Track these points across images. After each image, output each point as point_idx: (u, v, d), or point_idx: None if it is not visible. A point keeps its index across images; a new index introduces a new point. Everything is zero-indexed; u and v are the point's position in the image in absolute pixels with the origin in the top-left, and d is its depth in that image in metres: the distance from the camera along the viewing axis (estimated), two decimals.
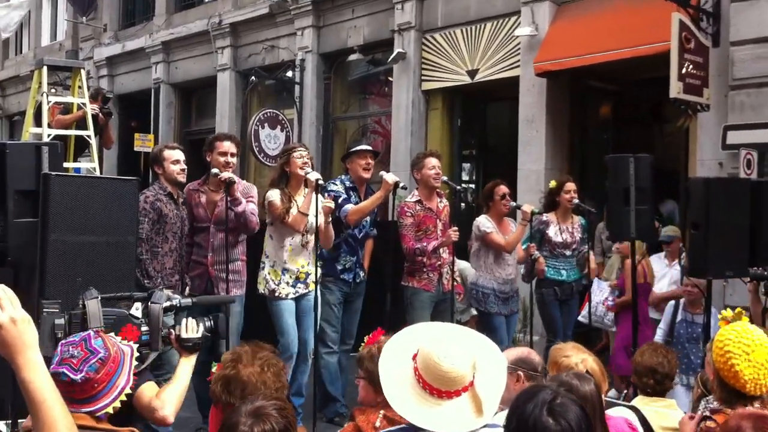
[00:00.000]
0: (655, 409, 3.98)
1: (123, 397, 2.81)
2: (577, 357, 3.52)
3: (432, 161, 6.80)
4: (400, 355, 2.84)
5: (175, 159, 5.95)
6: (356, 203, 6.55)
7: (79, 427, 2.65)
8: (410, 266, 6.73)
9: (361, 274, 6.75)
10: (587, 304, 7.88)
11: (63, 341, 2.82)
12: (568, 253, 7.38)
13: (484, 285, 7.13)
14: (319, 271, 6.29)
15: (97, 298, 3.46)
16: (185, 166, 5.98)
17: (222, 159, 6.05)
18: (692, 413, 3.59)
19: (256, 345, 3.22)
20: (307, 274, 6.21)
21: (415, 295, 6.69)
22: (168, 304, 3.63)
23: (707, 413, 3.25)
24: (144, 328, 3.54)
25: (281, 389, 3.03)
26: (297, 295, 6.21)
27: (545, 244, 7.40)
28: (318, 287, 6.28)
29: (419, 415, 2.70)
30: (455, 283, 6.92)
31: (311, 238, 6.20)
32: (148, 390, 3.47)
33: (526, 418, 2.16)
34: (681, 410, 4.21)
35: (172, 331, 3.62)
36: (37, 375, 1.84)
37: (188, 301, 3.78)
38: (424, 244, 6.60)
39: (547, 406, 2.16)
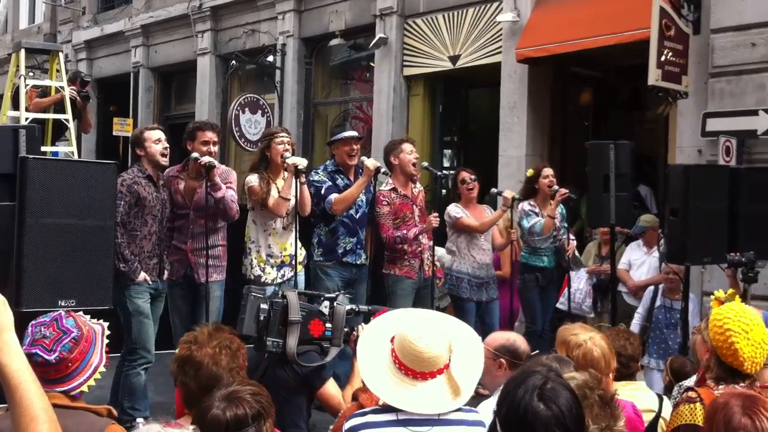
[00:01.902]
0: (626, 393, 4.00)
1: (97, 375, 2.83)
2: (585, 335, 3.53)
3: (409, 146, 6.81)
4: (378, 339, 2.90)
5: (157, 138, 5.89)
6: (345, 186, 6.52)
7: (55, 406, 2.66)
8: (391, 254, 6.73)
9: (363, 256, 6.64)
10: (565, 290, 7.93)
11: (33, 322, 2.84)
12: (550, 240, 7.41)
13: (458, 270, 7.16)
14: (303, 254, 6.29)
15: (296, 291, 4.07)
16: (167, 145, 5.93)
17: (204, 148, 6.02)
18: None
19: (215, 327, 3.25)
20: (292, 257, 6.17)
21: (398, 283, 6.68)
22: (350, 307, 4.10)
23: (690, 384, 3.29)
24: (328, 325, 3.99)
25: (237, 369, 3.05)
26: (283, 279, 6.18)
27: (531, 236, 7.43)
28: (302, 272, 6.28)
29: (395, 396, 2.76)
30: (435, 268, 6.93)
31: (293, 220, 6.18)
32: (335, 390, 4.05)
33: (516, 404, 2.15)
34: (653, 392, 4.24)
35: (354, 333, 3.98)
36: (12, 358, 1.82)
37: (365, 308, 4.20)
38: (404, 231, 6.60)
39: (537, 391, 2.15)
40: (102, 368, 2.86)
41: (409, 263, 6.69)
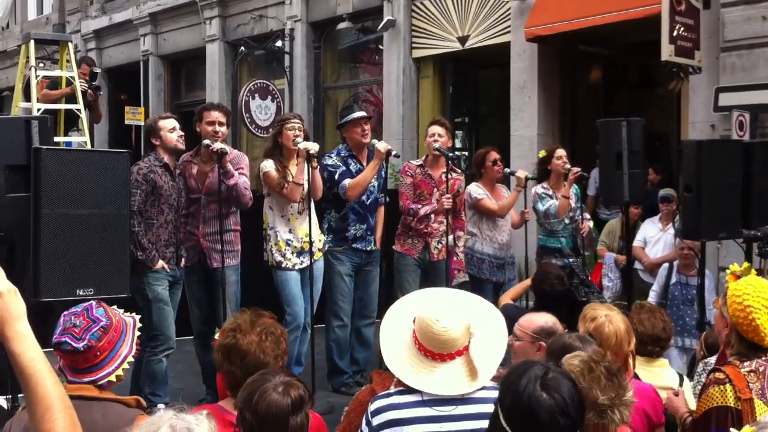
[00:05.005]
0: (651, 370, 4.00)
1: (125, 365, 2.84)
2: (604, 311, 3.52)
3: (432, 129, 6.85)
4: (401, 320, 2.93)
5: (172, 127, 5.90)
6: (358, 170, 6.53)
7: (83, 398, 2.68)
8: (399, 230, 6.83)
9: (373, 242, 6.67)
10: (602, 278, 7.89)
11: (65, 312, 2.85)
12: (566, 221, 7.38)
13: (480, 250, 7.15)
14: (322, 240, 6.31)
15: None
16: (182, 133, 5.94)
17: (210, 128, 6.00)
18: (677, 389, 3.64)
19: (255, 312, 3.21)
20: (311, 243, 6.18)
21: (400, 259, 6.79)
22: None
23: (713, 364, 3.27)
24: None
25: (281, 356, 3.06)
26: (303, 266, 6.20)
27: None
28: (322, 259, 6.31)
29: (413, 376, 2.81)
30: (456, 259, 6.91)
31: (308, 205, 6.19)
32: None
33: (520, 394, 2.19)
34: (674, 370, 4.25)
35: None
36: (26, 347, 1.81)
37: None
38: (419, 206, 6.63)
39: (540, 381, 2.20)
40: (131, 358, 2.87)
41: (411, 241, 6.74)
